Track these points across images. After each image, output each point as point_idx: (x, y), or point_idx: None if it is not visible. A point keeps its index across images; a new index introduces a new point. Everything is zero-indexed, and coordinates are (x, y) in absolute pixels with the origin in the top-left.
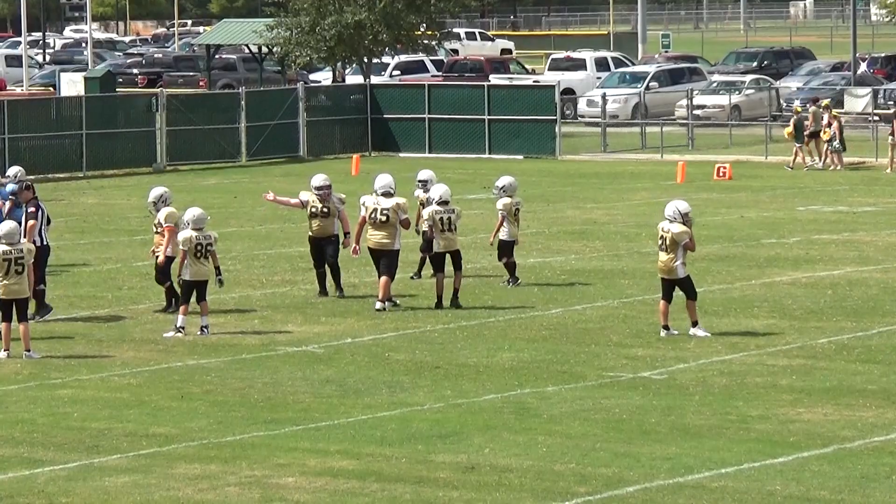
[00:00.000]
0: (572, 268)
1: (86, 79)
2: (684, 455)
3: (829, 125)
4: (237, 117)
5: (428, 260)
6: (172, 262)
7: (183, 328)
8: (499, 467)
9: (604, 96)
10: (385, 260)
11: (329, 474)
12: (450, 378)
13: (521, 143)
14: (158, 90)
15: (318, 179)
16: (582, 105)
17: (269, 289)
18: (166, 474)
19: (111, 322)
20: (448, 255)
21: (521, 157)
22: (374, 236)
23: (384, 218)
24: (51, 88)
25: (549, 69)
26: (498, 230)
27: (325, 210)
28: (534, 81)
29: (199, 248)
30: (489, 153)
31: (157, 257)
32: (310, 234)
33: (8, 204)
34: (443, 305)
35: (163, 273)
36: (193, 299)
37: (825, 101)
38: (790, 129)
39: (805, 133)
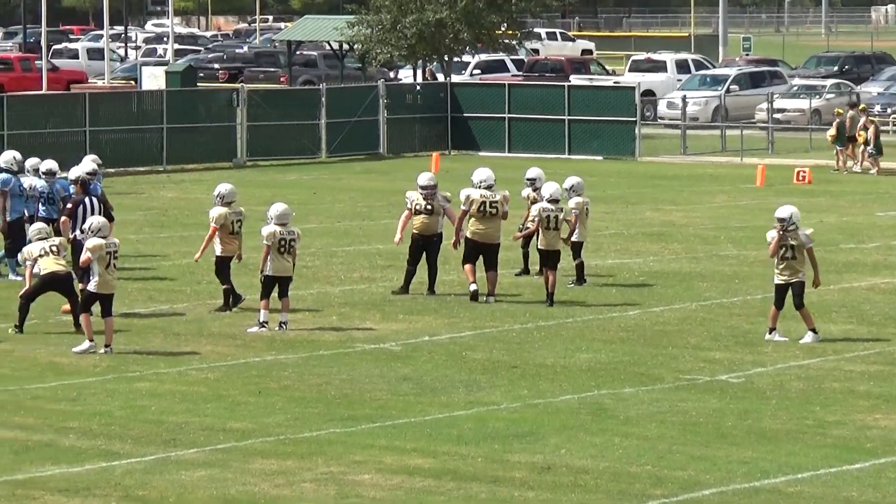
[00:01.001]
0: (650, 269)
1: (167, 73)
2: (760, 459)
3: (865, 128)
4: (317, 114)
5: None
6: (228, 262)
7: (266, 323)
8: (574, 468)
9: (684, 98)
10: (491, 253)
11: (405, 472)
12: (527, 378)
13: (600, 143)
14: (239, 85)
15: (424, 178)
16: (662, 107)
17: (347, 286)
18: (243, 469)
19: (190, 316)
20: (548, 254)
21: (600, 157)
22: (483, 229)
23: (494, 210)
24: (132, 82)
25: (629, 70)
26: (571, 232)
27: (430, 208)
28: (614, 82)
29: (282, 243)
30: (568, 153)
31: (217, 258)
32: (413, 231)
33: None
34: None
35: (220, 272)
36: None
37: (862, 105)
38: (832, 132)
39: (846, 136)
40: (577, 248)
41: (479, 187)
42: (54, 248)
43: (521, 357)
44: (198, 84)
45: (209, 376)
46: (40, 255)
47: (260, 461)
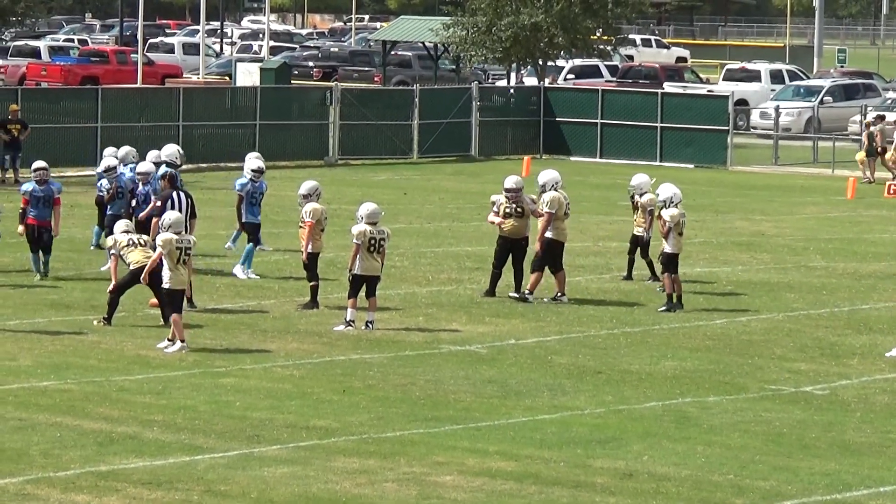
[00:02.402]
0: (738, 279)
1: (262, 69)
2: (843, 472)
3: (891, 142)
4: (410, 114)
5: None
6: (317, 258)
7: (353, 322)
8: (657, 475)
9: (777, 109)
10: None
11: (487, 474)
12: (611, 384)
13: (692, 151)
14: (333, 84)
15: (510, 181)
16: (755, 116)
17: (434, 286)
18: (325, 467)
19: (276, 312)
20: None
21: (691, 165)
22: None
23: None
24: (227, 78)
25: (723, 79)
26: (649, 226)
27: (520, 210)
28: (708, 91)
29: (372, 242)
30: (660, 160)
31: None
32: (501, 233)
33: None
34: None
35: (309, 269)
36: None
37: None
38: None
39: (876, 148)
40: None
41: (555, 188)
42: (142, 241)
43: (607, 362)
44: (292, 81)
45: (294, 373)
46: (128, 247)
47: (342, 460)
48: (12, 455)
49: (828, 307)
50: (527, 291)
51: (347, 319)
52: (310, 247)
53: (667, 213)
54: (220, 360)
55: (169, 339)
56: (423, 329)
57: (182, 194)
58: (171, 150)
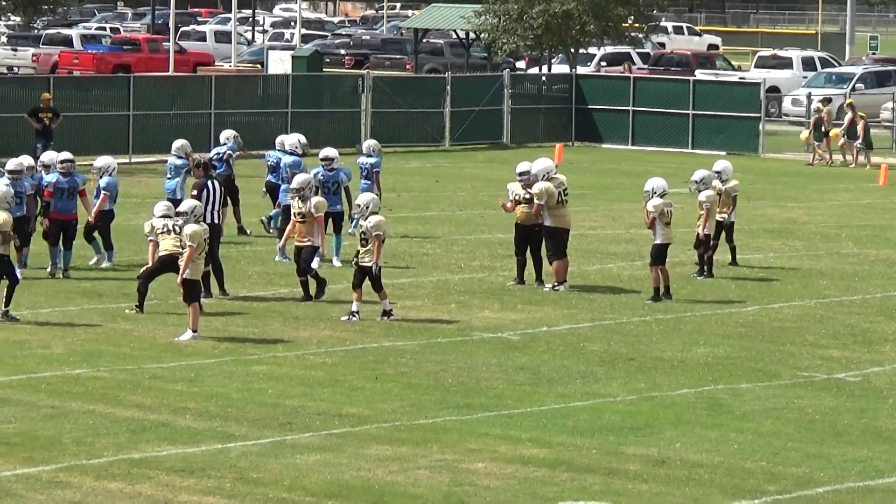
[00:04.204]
0: (771, 265)
1: (293, 57)
2: (876, 458)
3: (854, 124)
4: (442, 102)
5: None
6: (316, 252)
7: (357, 313)
8: (689, 462)
9: (809, 96)
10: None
11: (519, 461)
12: (644, 371)
13: (724, 139)
14: (365, 72)
15: (521, 166)
16: (787, 104)
17: (467, 274)
18: (357, 454)
19: (309, 300)
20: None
21: (723, 152)
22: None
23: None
24: (258, 66)
25: (755, 66)
26: (705, 223)
27: (528, 197)
28: (739, 78)
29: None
30: (692, 148)
31: (303, 248)
32: (516, 220)
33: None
34: (660, 298)
35: (307, 263)
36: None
37: (849, 100)
38: (810, 128)
39: (823, 131)
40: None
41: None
42: (177, 227)
43: (639, 350)
44: (323, 69)
45: (327, 361)
46: (164, 233)
47: (375, 447)
48: (45, 443)
49: (860, 294)
50: (556, 283)
51: (353, 310)
52: (317, 240)
53: (651, 204)
54: (253, 347)
55: (192, 329)
56: (455, 316)
57: (216, 183)
58: (292, 140)
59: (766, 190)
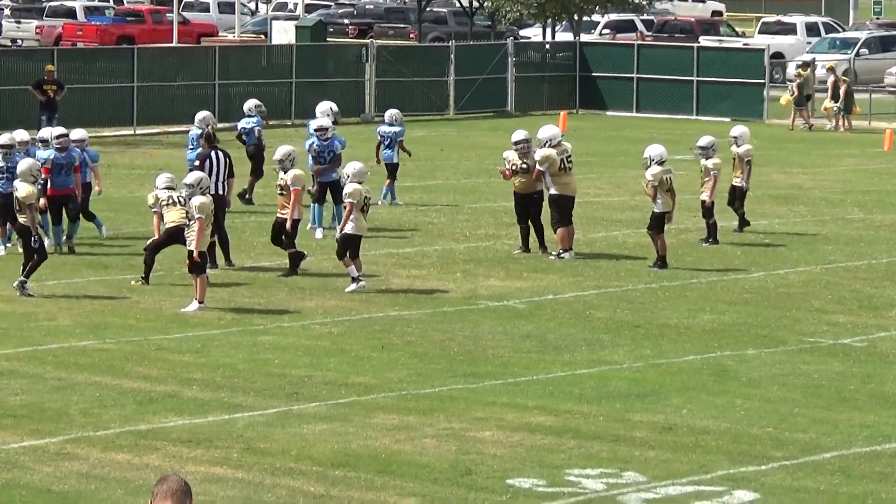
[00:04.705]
0: (776, 232)
1: (297, 27)
2: (882, 423)
3: (837, 87)
4: (446, 70)
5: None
6: (298, 225)
7: (360, 277)
8: (696, 429)
9: (813, 61)
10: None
11: (526, 429)
12: (650, 338)
13: (728, 105)
14: (369, 41)
15: (517, 135)
16: (791, 69)
17: (472, 242)
18: (364, 424)
19: (314, 270)
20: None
21: (728, 119)
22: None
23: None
24: (262, 36)
25: (759, 32)
26: (713, 190)
27: (525, 166)
28: (743, 44)
29: (365, 201)
30: (696, 114)
31: (282, 221)
32: (514, 190)
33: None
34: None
35: (291, 237)
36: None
37: (830, 64)
38: (793, 93)
39: (805, 95)
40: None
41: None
42: (181, 200)
43: (645, 317)
44: (327, 39)
45: (332, 331)
46: (168, 205)
47: (381, 416)
48: (52, 415)
49: (866, 259)
50: (561, 250)
51: (355, 276)
52: (296, 213)
53: (649, 173)
54: (259, 318)
55: (198, 301)
56: (460, 285)
57: (220, 153)
58: (324, 108)
59: (771, 156)
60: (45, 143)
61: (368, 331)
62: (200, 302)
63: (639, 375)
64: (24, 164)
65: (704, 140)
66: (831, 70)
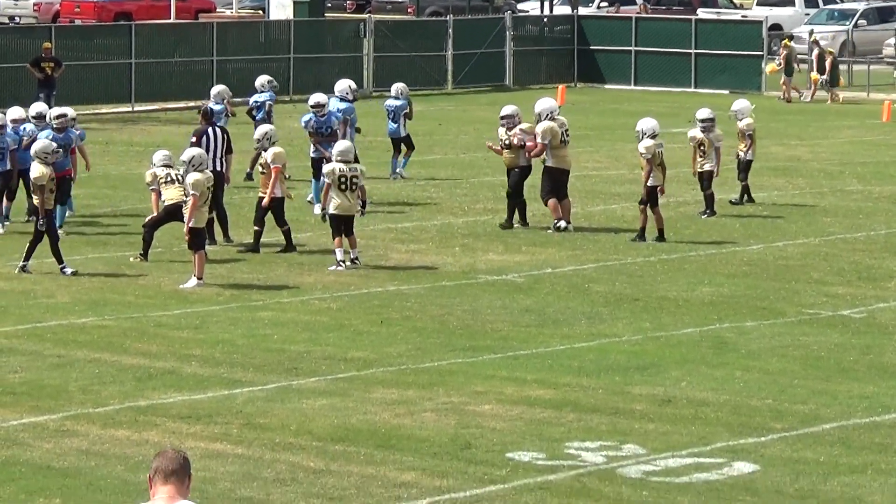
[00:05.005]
0: (774, 204)
1: (295, 3)
2: (882, 394)
3: (822, 59)
4: (444, 45)
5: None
6: (283, 203)
7: (343, 261)
8: (695, 401)
9: (811, 33)
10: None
11: (526, 403)
12: (649, 310)
13: (726, 77)
14: (367, 16)
15: (504, 109)
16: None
17: (470, 217)
18: (364, 398)
19: (313, 245)
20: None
21: (726, 91)
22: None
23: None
24: (260, 12)
25: (757, 4)
26: (718, 161)
27: (508, 143)
28: (742, 16)
29: (342, 180)
30: (694, 87)
31: (260, 199)
32: (505, 164)
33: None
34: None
35: (265, 214)
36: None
37: (815, 37)
38: (779, 64)
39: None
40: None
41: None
42: (180, 177)
43: (644, 290)
44: (325, 14)
45: (331, 306)
46: (167, 183)
47: (381, 391)
48: (52, 392)
49: (864, 231)
50: (555, 222)
51: (338, 259)
52: (277, 191)
53: (642, 146)
54: (258, 293)
55: (197, 277)
56: (459, 259)
57: (218, 129)
58: (342, 86)
59: (770, 128)
60: (41, 119)
61: (367, 306)
62: (199, 278)
63: (638, 348)
64: (38, 145)
65: (703, 112)
66: (815, 43)
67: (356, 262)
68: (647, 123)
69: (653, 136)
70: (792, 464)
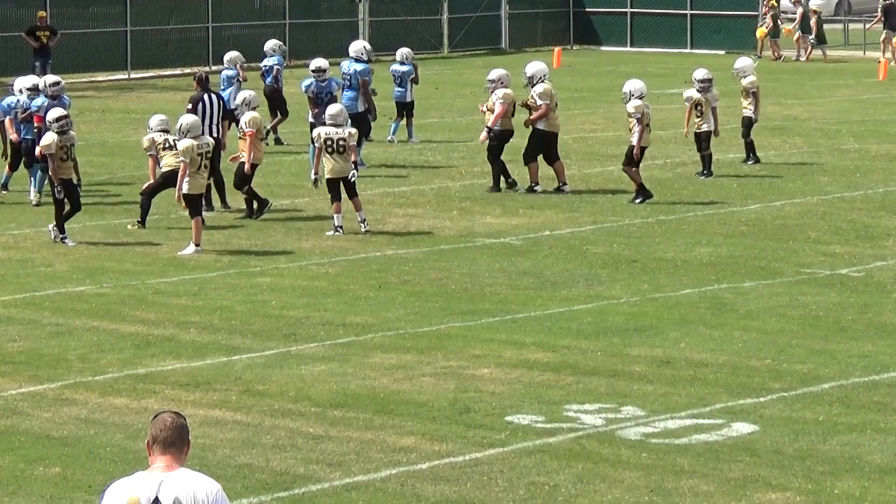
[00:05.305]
0: (772, 163)
1: None
2: (880, 353)
3: (806, 18)
4: (440, 8)
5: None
6: (256, 168)
7: (341, 227)
8: (694, 362)
9: None
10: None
11: (524, 366)
12: (647, 272)
13: (722, 38)
14: None
15: (491, 74)
16: (785, 1)
17: (468, 180)
18: (362, 363)
19: (310, 211)
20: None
21: (722, 52)
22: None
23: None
24: None
25: None
26: (716, 122)
27: (492, 105)
28: None
29: (329, 143)
30: (690, 48)
31: (241, 164)
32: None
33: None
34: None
35: (242, 179)
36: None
37: None
38: (767, 25)
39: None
40: (706, 139)
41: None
42: (177, 143)
43: (642, 251)
44: None
45: (329, 271)
46: (163, 148)
47: (379, 355)
48: (50, 360)
49: (861, 189)
50: (533, 184)
51: (336, 225)
52: (252, 157)
53: (631, 105)
54: (256, 259)
55: (195, 244)
56: (457, 223)
57: (213, 96)
58: (357, 47)
59: (766, 87)
60: (35, 90)
61: (365, 270)
62: (197, 245)
63: (636, 310)
64: (52, 114)
65: (701, 72)
66: (798, 2)
67: (363, 224)
68: (634, 84)
69: (640, 97)
70: (791, 424)
